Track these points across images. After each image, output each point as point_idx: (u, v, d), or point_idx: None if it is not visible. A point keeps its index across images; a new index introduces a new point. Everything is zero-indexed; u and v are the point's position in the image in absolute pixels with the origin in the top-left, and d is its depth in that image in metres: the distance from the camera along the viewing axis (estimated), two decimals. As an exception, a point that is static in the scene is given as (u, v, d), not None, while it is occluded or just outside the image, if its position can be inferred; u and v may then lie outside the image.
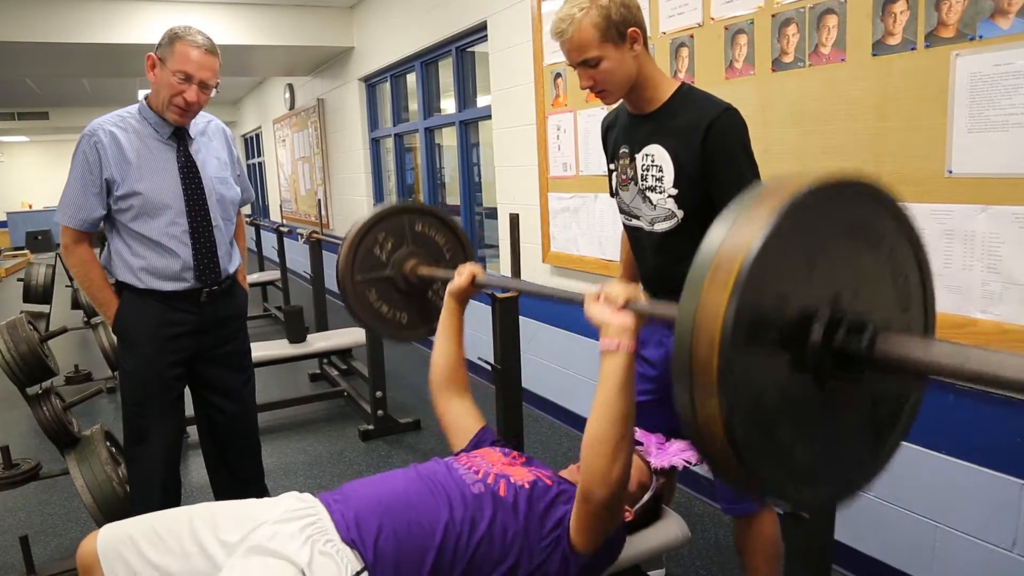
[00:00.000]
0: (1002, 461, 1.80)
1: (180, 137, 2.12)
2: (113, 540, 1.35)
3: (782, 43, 2.18)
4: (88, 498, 2.26)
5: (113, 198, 2.05)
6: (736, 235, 0.74)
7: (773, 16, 2.20)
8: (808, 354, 0.78)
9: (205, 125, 2.22)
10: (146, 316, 2.12)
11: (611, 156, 1.84)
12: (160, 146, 2.09)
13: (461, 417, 1.70)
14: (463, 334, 1.75)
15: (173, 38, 2.02)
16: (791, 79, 2.17)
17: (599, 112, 3.05)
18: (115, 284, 2.16)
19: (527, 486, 1.40)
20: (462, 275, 1.70)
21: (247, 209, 2.55)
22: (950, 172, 1.79)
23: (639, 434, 1.73)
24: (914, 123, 1.85)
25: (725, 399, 0.74)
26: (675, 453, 1.70)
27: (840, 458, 0.87)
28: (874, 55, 1.93)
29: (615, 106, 1.83)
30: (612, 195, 1.87)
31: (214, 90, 2.09)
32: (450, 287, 1.72)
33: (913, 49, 1.84)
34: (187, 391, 2.29)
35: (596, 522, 1.29)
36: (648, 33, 1.65)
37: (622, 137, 1.77)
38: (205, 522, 1.38)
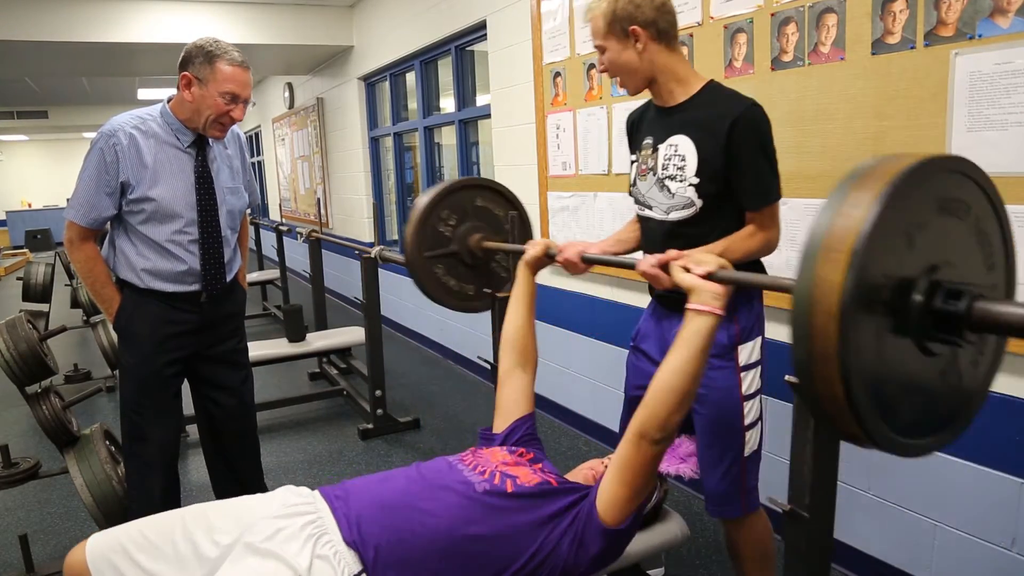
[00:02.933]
0: (1001, 460, 1.80)
1: (200, 146, 2.11)
2: (103, 548, 1.32)
3: (781, 42, 2.18)
4: (87, 497, 2.26)
5: (126, 200, 2.04)
6: (845, 216, 0.85)
7: (772, 15, 2.20)
8: (911, 318, 0.89)
9: None
10: (146, 314, 2.12)
11: (635, 147, 1.88)
12: (179, 154, 2.08)
13: (516, 393, 1.76)
14: (534, 301, 1.84)
15: (210, 56, 1.96)
16: (790, 78, 2.17)
17: (598, 111, 3.05)
18: (116, 282, 2.16)
19: (533, 487, 1.39)
20: (536, 247, 1.80)
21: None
22: (949, 171, 1.79)
23: None
24: (913, 122, 1.85)
25: (844, 363, 0.84)
26: (683, 457, 1.71)
27: (939, 411, 1.00)
28: (873, 54, 1.93)
29: (642, 102, 1.88)
30: (632, 186, 1.89)
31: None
32: (525, 258, 1.81)
33: (912, 48, 1.84)
34: (187, 390, 2.29)
35: (637, 472, 1.31)
36: (665, 30, 1.68)
37: (647, 129, 1.82)
38: (198, 522, 1.35)
